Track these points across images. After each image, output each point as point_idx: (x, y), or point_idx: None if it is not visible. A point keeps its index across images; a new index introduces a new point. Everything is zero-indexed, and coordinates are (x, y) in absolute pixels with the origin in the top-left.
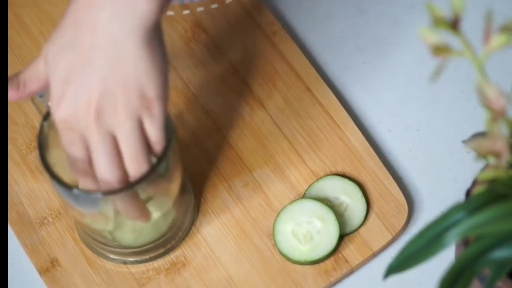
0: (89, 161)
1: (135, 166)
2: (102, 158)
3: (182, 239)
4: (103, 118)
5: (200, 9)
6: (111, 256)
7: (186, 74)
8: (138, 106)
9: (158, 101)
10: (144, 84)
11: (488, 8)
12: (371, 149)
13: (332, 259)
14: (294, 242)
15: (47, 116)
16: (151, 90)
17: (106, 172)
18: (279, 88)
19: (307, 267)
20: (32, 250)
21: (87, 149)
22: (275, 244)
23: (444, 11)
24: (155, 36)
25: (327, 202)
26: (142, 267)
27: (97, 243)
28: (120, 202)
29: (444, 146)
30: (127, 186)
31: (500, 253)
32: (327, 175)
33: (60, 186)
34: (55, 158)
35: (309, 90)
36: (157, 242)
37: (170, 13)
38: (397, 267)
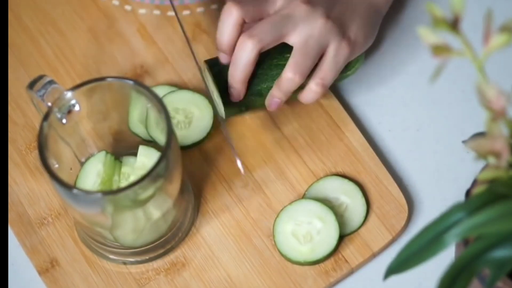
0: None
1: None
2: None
3: (182, 239)
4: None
5: (200, 9)
6: (111, 256)
7: (186, 75)
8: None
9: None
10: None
11: (488, 8)
12: (371, 149)
13: (332, 259)
14: (294, 242)
15: (47, 116)
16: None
17: (261, 35)
18: None
19: (307, 267)
20: (31, 251)
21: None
22: (275, 245)
23: (444, 11)
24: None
25: (327, 203)
26: (141, 267)
27: (97, 243)
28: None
29: (444, 146)
30: (127, 186)
31: (500, 253)
32: (327, 175)
33: (60, 186)
34: (55, 158)
35: None
36: (157, 242)
37: (170, 13)
38: (397, 267)
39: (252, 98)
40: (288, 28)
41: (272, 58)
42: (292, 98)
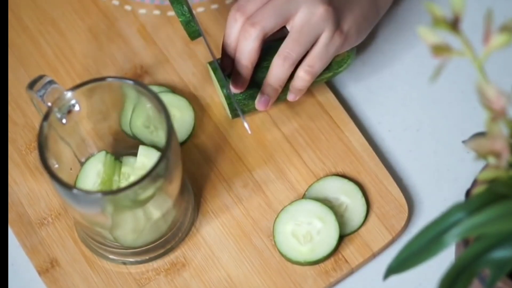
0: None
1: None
2: (270, 10)
3: (182, 239)
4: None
5: (200, 9)
6: (111, 256)
7: (186, 75)
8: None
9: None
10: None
11: (488, 8)
12: (371, 149)
13: (332, 259)
14: (294, 242)
15: (47, 116)
16: (345, 26)
17: (260, 18)
18: None
19: (307, 267)
20: (31, 251)
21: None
22: (275, 245)
23: (444, 11)
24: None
25: (327, 203)
26: (141, 267)
27: (97, 243)
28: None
29: (444, 146)
30: (127, 186)
31: (500, 253)
32: (327, 175)
33: (60, 186)
34: (55, 158)
35: (309, 90)
36: (157, 242)
37: (170, 13)
38: (397, 267)
39: (244, 102)
40: (291, 12)
41: (263, 60)
42: (281, 99)
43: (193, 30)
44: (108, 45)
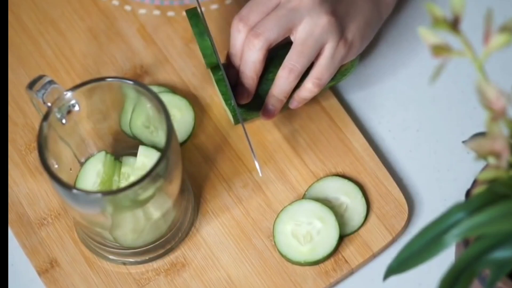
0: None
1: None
2: (274, 21)
3: (182, 239)
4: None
5: None
6: (111, 256)
7: (186, 75)
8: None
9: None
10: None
11: (488, 8)
12: (371, 149)
13: (332, 260)
14: (294, 242)
15: (46, 116)
16: (349, 34)
17: (264, 29)
18: None
19: (307, 267)
20: (31, 251)
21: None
22: (274, 245)
23: (444, 12)
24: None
25: (327, 203)
26: (141, 267)
27: (97, 243)
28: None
29: (444, 146)
30: (127, 186)
31: (500, 254)
32: (327, 175)
33: (60, 186)
34: (55, 159)
35: None
36: (157, 242)
37: (170, 13)
38: (397, 268)
39: (248, 112)
40: (294, 22)
41: (267, 72)
42: (284, 108)
43: (211, 62)
44: (108, 45)
